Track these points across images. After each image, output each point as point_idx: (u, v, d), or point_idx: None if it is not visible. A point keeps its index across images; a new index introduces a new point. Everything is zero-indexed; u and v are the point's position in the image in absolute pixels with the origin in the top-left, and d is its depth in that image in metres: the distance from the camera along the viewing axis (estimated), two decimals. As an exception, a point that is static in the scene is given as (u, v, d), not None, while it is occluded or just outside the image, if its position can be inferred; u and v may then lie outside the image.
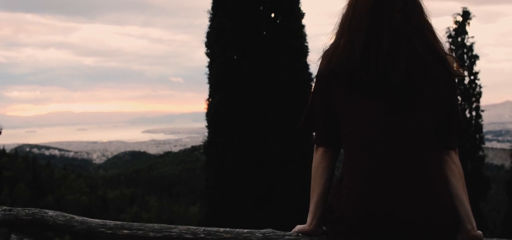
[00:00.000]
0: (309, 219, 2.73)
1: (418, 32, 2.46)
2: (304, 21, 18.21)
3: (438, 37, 2.53)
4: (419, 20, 2.49)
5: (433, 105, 2.43)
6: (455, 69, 2.50)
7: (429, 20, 2.54)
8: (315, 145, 2.67)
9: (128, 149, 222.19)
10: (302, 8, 18.15)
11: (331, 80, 2.50)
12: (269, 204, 16.99)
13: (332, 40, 2.59)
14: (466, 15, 26.71)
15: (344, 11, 2.60)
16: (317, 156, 2.65)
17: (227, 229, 3.00)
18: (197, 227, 3.06)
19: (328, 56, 2.54)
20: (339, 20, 2.60)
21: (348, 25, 2.52)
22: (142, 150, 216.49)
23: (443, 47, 2.52)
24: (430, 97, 2.41)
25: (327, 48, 2.59)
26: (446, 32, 26.84)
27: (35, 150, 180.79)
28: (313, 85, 2.70)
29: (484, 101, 26.20)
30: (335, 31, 2.60)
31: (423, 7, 2.55)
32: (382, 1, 2.48)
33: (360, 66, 2.40)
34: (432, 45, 2.46)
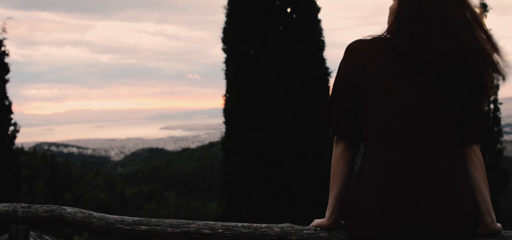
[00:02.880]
0: (327, 214, 2.73)
1: (467, 24, 2.41)
2: (320, 16, 18.19)
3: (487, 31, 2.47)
4: (469, 12, 2.45)
5: (458, 99, 2.41)
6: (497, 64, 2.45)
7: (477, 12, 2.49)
8: (335, 139, 2.66)
9: (146, 146, 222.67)
10: (318, 3, 18.14)
11: (352, 71, 2.50)
12: (287, 199, 16.98)
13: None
14: (483, 7, 26.44)
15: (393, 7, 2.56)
16: (338, 150, 2.64)
17: (245, 224, 2.99)
18: (215, 223, 3.06)
19: (353, 48, 2.54)
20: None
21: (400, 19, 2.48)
22: (160, 146, 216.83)
23: (492, 41, 2.46)
24: (456, 91, 2.39)
25: (356, 40, 2.57)
26: (464, 25, 26.61)
27: (54, 148, 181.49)
28: (334, 78, 2.69)
29: (502, 94, 26.07)
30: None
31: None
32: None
33: (400, 54, 2.40)
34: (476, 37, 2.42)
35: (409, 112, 2.37)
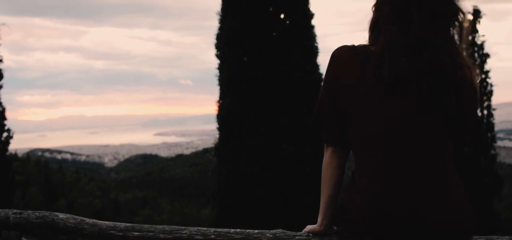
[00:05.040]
0: (319, 220, 2.73)
1: (443, 39, 2.41)
2: (313, 22, 18.19)
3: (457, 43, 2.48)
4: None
5: (450, 106, 2.39)
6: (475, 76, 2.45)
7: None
8: (325, 145, 2.65)
9: (140, 152, 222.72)
10: (311, 9, 18.15)
11: (334, 84, 2.48)
12: (282, 204, 16.96)
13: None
14: (476, 13, 26.50)
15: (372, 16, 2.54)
16: (327, 156, 2.63)
17: (238, 230, 2.99)
18: (207, 228, 3.05)
19: (335, 57, 2.52)
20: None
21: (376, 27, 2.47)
22: (153, 152, 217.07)
23: (464, 53, 2.47)
24: (448, 99, 2.38)
25: (338, 47, 2.56)
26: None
27: (47, 154, 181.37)
28: (322, 85, 2.67)
29: (495, 100, 26.07)
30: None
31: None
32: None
33: (378, 62, 2.36)
34: (455, 51, 2.42)
35: (395, 120, 2.34)
